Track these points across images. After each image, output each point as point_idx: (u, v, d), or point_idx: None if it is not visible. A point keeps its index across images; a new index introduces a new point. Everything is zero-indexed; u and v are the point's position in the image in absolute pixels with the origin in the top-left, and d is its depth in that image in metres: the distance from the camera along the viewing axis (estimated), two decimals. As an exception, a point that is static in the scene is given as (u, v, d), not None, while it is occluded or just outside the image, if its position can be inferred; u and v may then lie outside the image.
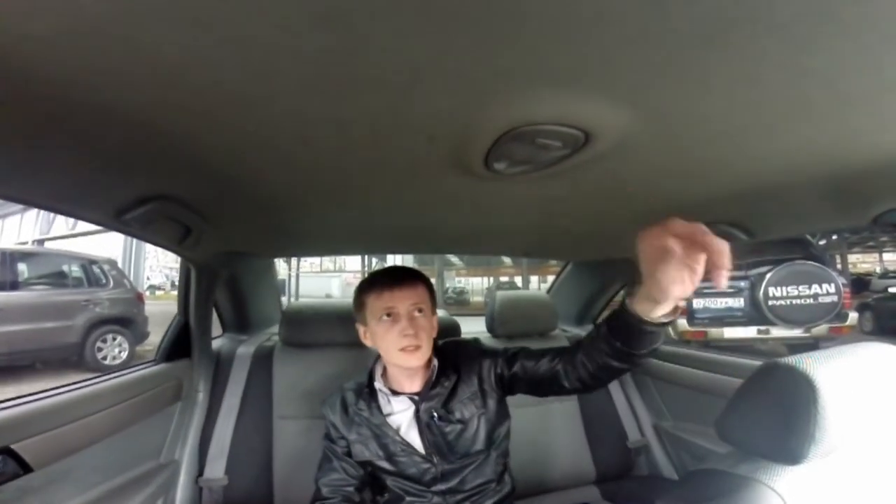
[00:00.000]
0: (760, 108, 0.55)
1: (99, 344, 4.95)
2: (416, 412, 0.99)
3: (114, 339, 5.09)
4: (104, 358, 4.96)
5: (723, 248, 0.56)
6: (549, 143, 0.60)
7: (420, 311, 0.96)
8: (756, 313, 4.71)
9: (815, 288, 4.46)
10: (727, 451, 0.66)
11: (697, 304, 4.97)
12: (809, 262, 4.57)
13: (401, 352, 0.93)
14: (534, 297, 1.80)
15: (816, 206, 0.90)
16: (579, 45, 0.42)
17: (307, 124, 0.58)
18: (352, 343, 1.21)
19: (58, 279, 4.93)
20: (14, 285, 4.44)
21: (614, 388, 1.64)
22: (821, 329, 4.63)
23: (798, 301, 4.49)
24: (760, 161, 0.72)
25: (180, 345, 1.37)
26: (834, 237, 9.58)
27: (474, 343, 1.08)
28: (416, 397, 0.99)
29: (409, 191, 0.89)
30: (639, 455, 1.60)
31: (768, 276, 4.53)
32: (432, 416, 0.97)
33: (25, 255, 5.08)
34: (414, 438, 0.99)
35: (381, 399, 1.02)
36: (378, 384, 1.02)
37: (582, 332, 1.76)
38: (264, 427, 1.39)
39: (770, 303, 4.51)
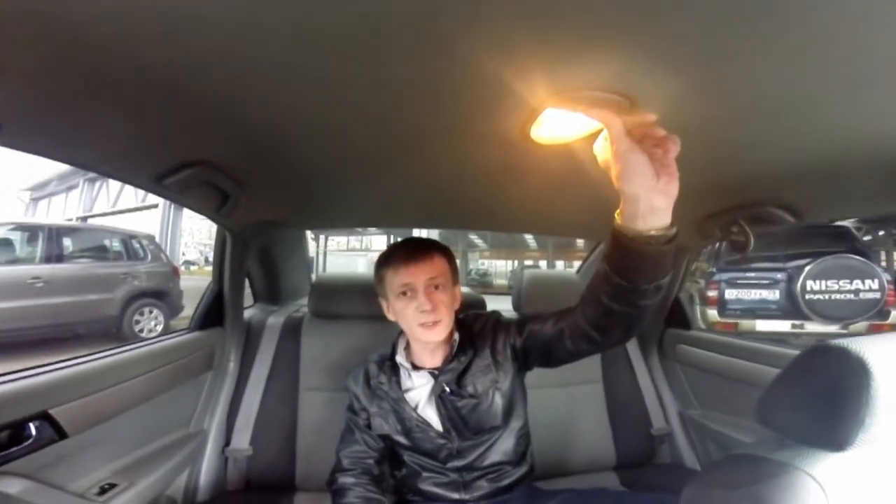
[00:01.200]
0: (814, 83, 0.51)
1: (136, 317, 5.16)
2: (434, 387, 0.99)
3: (150, 311, 5.30)
4: (141, 331, 5.15)
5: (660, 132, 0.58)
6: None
7: (437, 286, 0.95)
8: (791, 307, 4.52)
9: (857, 283, 4.24)
10: (753, 441, 0.64)
11: (730, 294, 4.80)
12: (852, 256, 4.34)
13: (420, 327, 0.93)
14: (562, 276, 1.77)
15: (868, 187, 0.85)
16: (627, 10, 0.40)
17: (345, 90, 0.58)
18: (379, 316, 1.18)
19: (99, 253, 5.16)
20: (59, 258, 4.66)
21: (641, 373, 1.61)
22: (859, 326, 4.40)
23: (838, 296, 4.28)
24: (812, 138, 0.68)
25: (213, 313, 1.39)
26: (881, 233, 9.03)
27: (492, 315, 1.06)
28: (435, 372, 0.98)
29: (445, 161, 0.87)
30: (662, 443, 1.56)
31: (808, 268, 4.32)
32: (444, 390, 0.97)
33: (70, 231, 5.32)
34: (431, 415, 0.99)
35: (402, 373, 1.02)
36: (399, 358, 1.02)
37: None
38: (290, 398, 1.41)
39: (807, 296, 4.31)
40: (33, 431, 0.86)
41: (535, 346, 0.95)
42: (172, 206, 11.02)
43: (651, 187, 0.58)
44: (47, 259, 4.55)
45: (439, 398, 0.97)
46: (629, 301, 0.70)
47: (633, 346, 1.64)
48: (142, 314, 5.22)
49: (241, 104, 0.63)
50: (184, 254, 15.11)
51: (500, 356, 0.99)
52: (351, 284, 1.48)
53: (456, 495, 0.99)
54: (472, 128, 0.68)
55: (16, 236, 4.51)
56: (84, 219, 12.27)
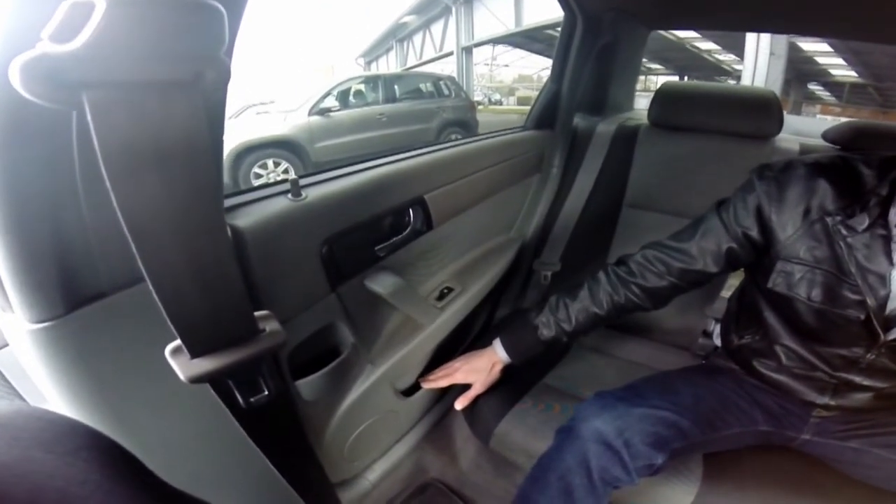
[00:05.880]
0: None
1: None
2: None
3: (456, 137, 6.11)
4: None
5: None
6: None
7: None
8: None
9: None
10: None
11: None
12: None
13: None
14: None
15: None
16: None
17: None
18: (737, 133, 1.08)
19: (418, 94, 6.19)
20: (393, 99, 5.83)
21: None
22: None
23: None
24: None
25: (547, 114, 1.32)
26: None
27: None
28: None
29: None
30: None
31: None
32: None
33: (396, 78, 6.54)
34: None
35: None
36: None
37: None
38: (611, 215, 1.27)
39: None
40: (411, 218, 0.89)
41: None
42: (464, 52, 11.91)
43: None
44: (385, 100, 5.74)
45: None
46: None
47: None
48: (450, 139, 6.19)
49: None
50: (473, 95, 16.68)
51: None
52: (704, 92, 1.21)
53: (818, 397, 0.74)
54: None
55: (363, 87, 5.78)
56: (406, 69, 14.71)
